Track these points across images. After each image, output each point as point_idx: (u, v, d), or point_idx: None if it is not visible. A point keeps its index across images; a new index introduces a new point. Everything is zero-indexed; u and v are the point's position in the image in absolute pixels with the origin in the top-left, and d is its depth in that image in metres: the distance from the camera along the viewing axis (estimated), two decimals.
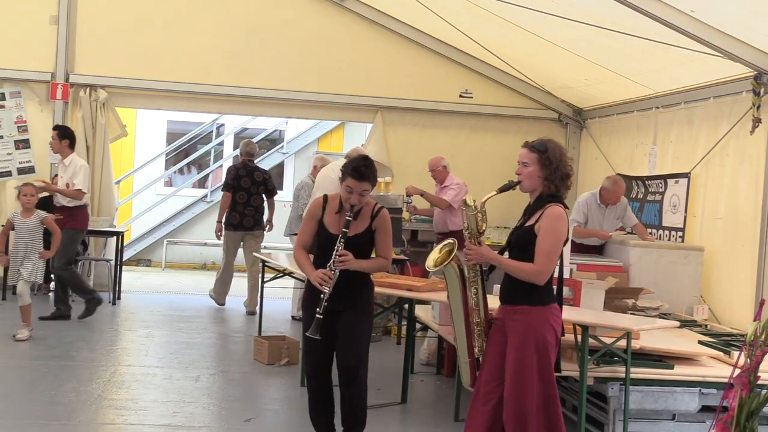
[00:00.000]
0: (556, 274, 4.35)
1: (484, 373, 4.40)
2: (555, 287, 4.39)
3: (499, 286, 4.56)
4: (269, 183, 10.21)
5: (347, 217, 4.75)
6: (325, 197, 4.97)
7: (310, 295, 4.90)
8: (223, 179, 10.65)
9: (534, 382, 4.23)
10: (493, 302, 4.55)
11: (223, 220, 10.10)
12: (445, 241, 4.46)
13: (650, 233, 9.00)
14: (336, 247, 4.69)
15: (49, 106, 10.62)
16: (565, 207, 4.36)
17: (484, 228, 4.35)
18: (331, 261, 4.70)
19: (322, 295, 4.67)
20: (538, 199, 4.36)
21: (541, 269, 4.23)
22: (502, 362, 4.32)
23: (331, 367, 4.93)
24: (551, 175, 4.29)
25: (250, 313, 10.00)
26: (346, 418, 4.93)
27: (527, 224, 4.33)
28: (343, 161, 8.75)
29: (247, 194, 10.04)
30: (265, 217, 10.26)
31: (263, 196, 10.17)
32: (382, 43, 11.08)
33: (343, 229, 4.73)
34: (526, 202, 4.49)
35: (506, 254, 4.42)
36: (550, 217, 4.25)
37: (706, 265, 7.93)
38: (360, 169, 4.77)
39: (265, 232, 10.33)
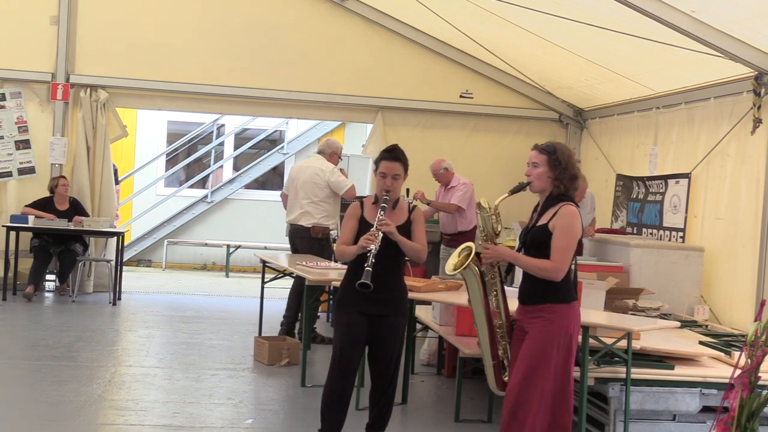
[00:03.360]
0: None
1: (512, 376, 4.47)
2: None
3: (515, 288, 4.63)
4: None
5: (384, 196, 4.90)
6: (361, 200, 5.13)
7: (347, 295, 4.99)
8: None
9: (548, 379, 4.29)
10: (512, 304, 4.61)
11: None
12: (463, 245, 4.52)
13: (650, 233, 9.01)
14: (378, 216, 4.83)
15: (50, 107, 10.62)
16: (577, 206, 4.44)
17: (499, 229, 4.47)
18: (374, 226, 4.82)
19: (368, 253, 4.74)
20: (548, 198, 4.45)
21: (559, 266, 4.30)
22: None
23: (358, 369, 5.05)
24: (560, 175, 4.40)
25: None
26: (377, 418, 5.08)
27: (540, 223, 4.40)
28: (317, 158, 8.81)
29: None
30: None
31: None
32: (382, 43, 11.08)
33: (383, 205, 4.87)
34: (527, 203, 4.54)
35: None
36: (566, 216, 4.34)
37: (706, 265, 7.93)
38: (389, 149, 5.01)
39: None
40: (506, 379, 4.51)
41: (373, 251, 4.73)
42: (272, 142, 15.98)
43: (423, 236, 5.01)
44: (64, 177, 10.35)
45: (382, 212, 4.85)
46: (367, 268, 4.70)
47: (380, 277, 4.82)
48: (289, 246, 8.94)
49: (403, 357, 6.68)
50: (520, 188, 4.54)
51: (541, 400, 4.28)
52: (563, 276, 4.32)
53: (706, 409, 5.45)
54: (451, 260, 4.51)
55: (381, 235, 4.78)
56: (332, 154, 8.75)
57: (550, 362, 4.28)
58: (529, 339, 4.34)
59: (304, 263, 7.41)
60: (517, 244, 4.73)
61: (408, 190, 9.56)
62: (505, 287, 4.59)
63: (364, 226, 4.95)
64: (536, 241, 4.38)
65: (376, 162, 5.00)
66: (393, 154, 4.96)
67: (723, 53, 7.02)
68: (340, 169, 8.84)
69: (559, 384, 4.33)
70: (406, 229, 4.96)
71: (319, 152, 8.85)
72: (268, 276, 8.37)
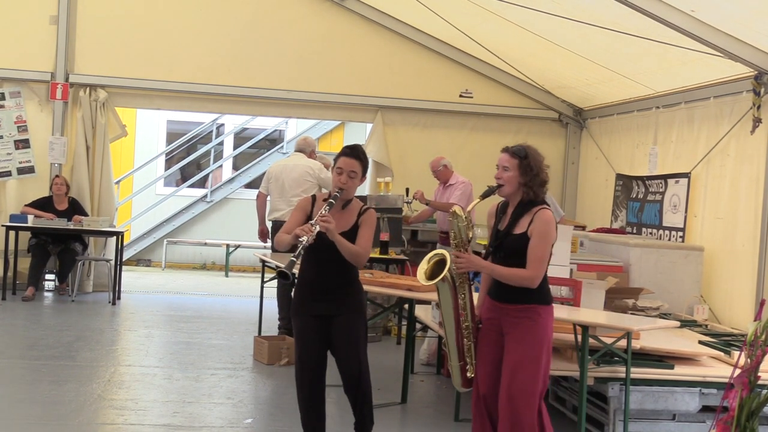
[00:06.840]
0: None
1: (481, 373, 4.42)
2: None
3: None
4: None
5: (335, 192, 4.68)
6: (314, 196, 4.94)
7: (299, 300, 4.86)
8: None
9: (540, 380, 4.29)
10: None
11: None
12: (435, 252, 4.45)
13: (650, 233, 9.01)
14: (321, 211, 4.56)
15: (49, 106, 10.62)
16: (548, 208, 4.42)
17: (471, 236, 4.40)
18: (314, 219, 4.57)
19: (299, 244, 4.48)
20: (521, 204, 4.38)
21: (537, 273, 4.27)
22: (499, 360, 4.35)
23: (324, 372, 4.86)
24: (531, 182, 4.33)
25: None
26: (357, 420, 4.92)
27: (518, 231, 4.33)
28: (299, 156, 8.83)
29: None
30: None
31: None
32: (382, 43, 11.08)
33: (330, 200, 4.63)
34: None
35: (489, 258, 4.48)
36: (543, 222, 4.29)
37: (706, 265, 7.93)
38: (351, 146, 4.81)
39: None
40: (470, 375, 4.49)
41: (304, 243, 4.48)
42: (272, 141, 15.98)
43: (367, 240, 4.72)
44: (58, 176, 10.35)
45: (327, 208, 4.58)
46: (291, 258, 4.49)
47: (327, 275, 4.71)
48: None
49: (403, 357, 6.72)
50: (490, 192, 4.41)
51: (535, 402, 4.29)
52: (539, 283, 4.29)
53: (705, 409, 5.46)
54: (422, 268, 4.42)
55: (317, 229, 4.51)
56: (312, 152, 8.97)
57: (542, 365, 4.28)
58: (516, 342, 4.29)
59: None
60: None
61: (407, 190, 9.60)
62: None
63: (309, 222, 4.71)
64: (516, 247, 4.30)
65: (336, 158, 4.77)
66: (353, 152, 4.74)
67: (723, 53, 7.02)
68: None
69: (543, 386, 4.34)
70: (350, 236, 4.69)
71: (300, 151, 8.94)
72: (267, 275, 8.37)
